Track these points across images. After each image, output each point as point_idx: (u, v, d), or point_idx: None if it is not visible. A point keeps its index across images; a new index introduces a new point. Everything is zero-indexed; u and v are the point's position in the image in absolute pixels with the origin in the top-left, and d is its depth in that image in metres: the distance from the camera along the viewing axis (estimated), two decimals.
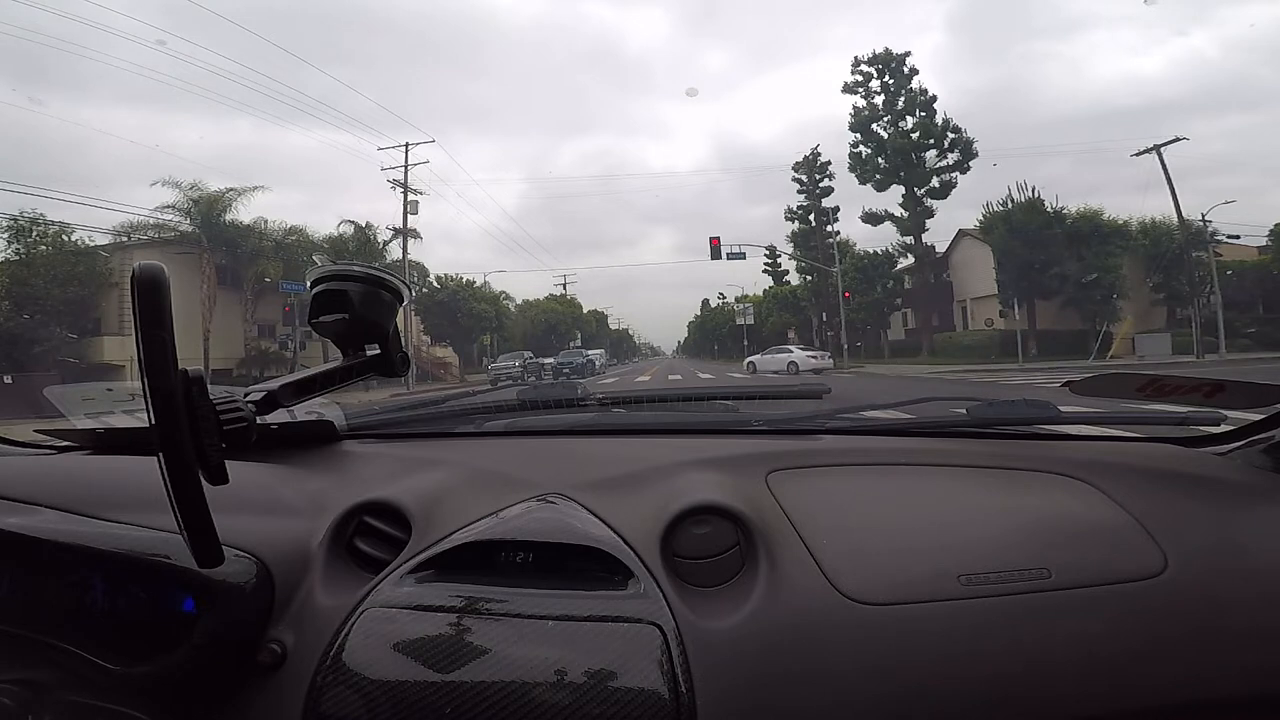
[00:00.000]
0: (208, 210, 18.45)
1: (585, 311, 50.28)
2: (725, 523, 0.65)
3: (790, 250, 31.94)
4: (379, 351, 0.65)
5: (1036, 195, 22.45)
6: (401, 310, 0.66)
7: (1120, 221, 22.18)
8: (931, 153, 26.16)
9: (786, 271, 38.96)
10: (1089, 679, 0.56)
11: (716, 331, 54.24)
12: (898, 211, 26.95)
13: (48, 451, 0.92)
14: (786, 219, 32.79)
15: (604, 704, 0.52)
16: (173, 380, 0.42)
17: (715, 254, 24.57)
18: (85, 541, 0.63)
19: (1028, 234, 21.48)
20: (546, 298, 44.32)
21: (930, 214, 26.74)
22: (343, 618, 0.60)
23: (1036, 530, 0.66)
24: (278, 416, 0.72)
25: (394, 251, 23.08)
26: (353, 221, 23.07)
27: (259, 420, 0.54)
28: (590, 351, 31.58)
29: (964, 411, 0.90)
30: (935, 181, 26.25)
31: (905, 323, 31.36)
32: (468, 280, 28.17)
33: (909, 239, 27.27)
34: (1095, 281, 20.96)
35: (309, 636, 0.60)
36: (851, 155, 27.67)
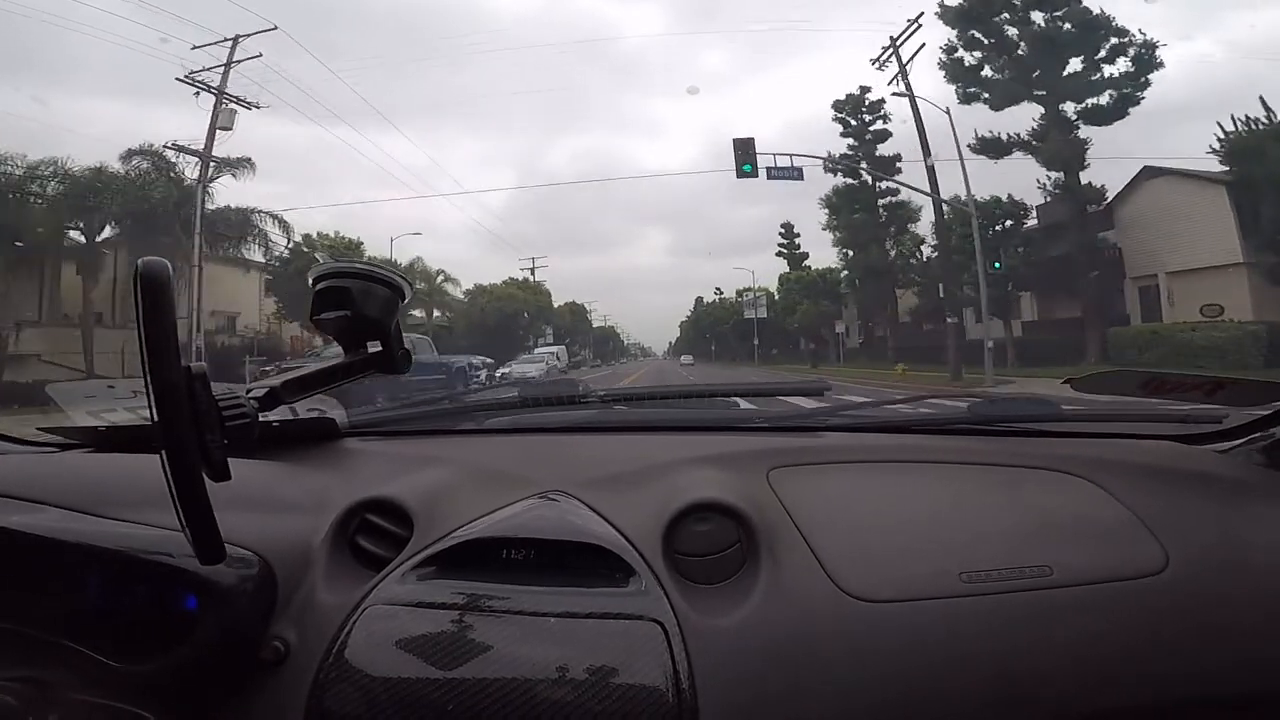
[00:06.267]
0: None
1: (560, 304, 39.85)
2: (727, 520, 0.65)
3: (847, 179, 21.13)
4: (380, 349, 0.64)
5: None
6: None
7: None
8: (1076, 59, 15.58)
9: (806, 255, 31.43)
10: (1091, 675, 0.56)
11: (715, 328, 44.06)
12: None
13: (50, 449, 0.92)
14: (826, 170, 21.15)
15: (606, 701, 0.52)
16: (176, 376, 0.42)
17: (743, 166, 14.00)
18: (88, 540, 0.64)
19: None
20: (505, 281, 31.98)
21: (1085, 145, 15.86)
22: (345, 615, 0.60)
23: (1038, 527, 0.66)
24: (280, 414, 0.72)
25: (224, 194, 15.75)
26: (147, 150, 14.99)
27: (261, 417, 0.53)
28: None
29: (965, 409, 0.90)
30: (1103, 98, 15.28)
31: (1033, 309, 19.22)
32: (356, 241, 19.31)
33: (1053, 177, 16.08)
34: None
35: (311, 634, 0.60)
36: (950, 61, 17.01)
